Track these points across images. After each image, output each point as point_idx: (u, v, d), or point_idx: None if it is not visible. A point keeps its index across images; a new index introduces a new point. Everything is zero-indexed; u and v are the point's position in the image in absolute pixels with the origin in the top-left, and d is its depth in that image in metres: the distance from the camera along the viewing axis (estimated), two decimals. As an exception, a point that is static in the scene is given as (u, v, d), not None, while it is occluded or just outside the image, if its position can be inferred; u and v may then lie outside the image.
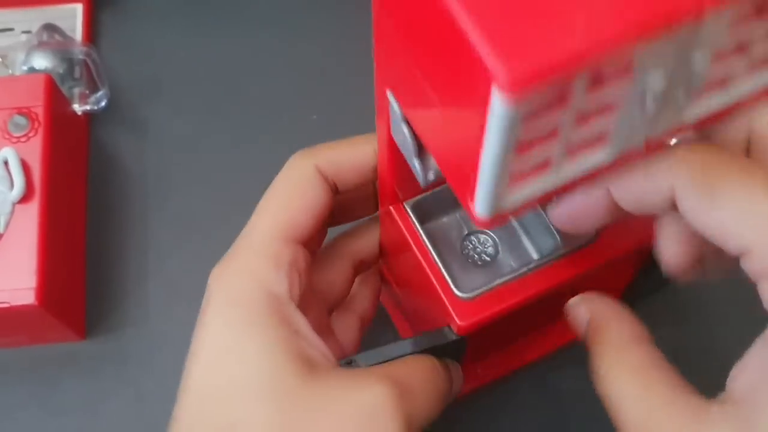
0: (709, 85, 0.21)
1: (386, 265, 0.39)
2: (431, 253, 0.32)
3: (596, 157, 0.21)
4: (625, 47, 0.18)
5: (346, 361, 0.30)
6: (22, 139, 0.43)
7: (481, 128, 0.18)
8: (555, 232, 0.31)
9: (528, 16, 0.17)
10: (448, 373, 0.32)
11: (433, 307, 0.32)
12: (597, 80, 0.18)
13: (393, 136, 0.27)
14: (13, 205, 0.42)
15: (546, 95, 0.18)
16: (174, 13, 0.53)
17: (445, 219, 0.34)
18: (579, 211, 0.26)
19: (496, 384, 0.42)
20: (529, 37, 0.17)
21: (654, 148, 0.22)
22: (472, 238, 0.34)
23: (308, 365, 0.27)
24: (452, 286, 0.31)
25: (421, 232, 0.32)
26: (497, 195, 0.20)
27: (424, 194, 0.33)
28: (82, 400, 0.45)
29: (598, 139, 0.21)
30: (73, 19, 0.52)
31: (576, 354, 0.31)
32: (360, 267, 0.37)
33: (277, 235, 0.30)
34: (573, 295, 0.30)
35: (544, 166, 0.20)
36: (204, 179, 0.49)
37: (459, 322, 0.31)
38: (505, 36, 0.17)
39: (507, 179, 0.20)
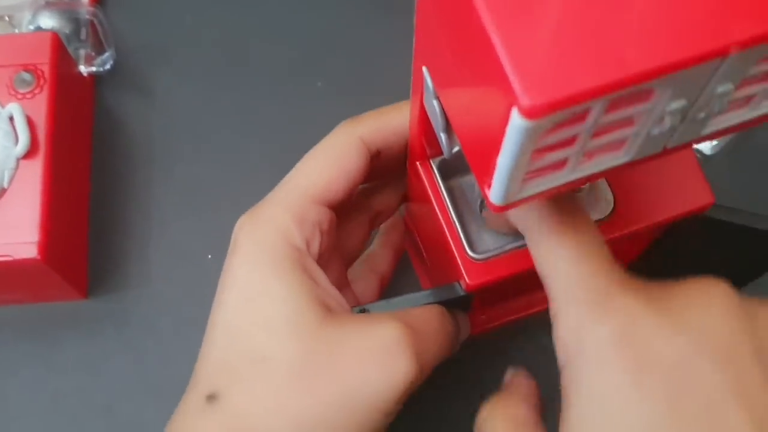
0: (732, 106, 0.22)
1: (410, 217, 0.41)
2: (450, 212, 0.33)
3: (613, 159, 0.22)
4: (647, 81, 0.18)
5: (359, 309, 0.32)
6: (28, 96, 0.43)
7: (501, 131, 0.19)
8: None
9: (557, 40, 0.18)
10: (456, 321, 0.34)
11: (447, 262, 0.33)
12: (616, 104, 0.19)
13: (425, 106, 0.28)
14: (18, 160, 0.42)
15: (565, 115, 0.18)
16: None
17: (468, 178, 0.34)
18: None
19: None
20: (554, 64, 0.18)
21: (673, 150, 0.23)
22: None
23: (327, 309, 0.29)
24: (466, 246, 0.32)
25: (443, 189, 0.33)
26: (512, 189, 0.21)
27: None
28: (83, 359, 0.45)
29: (615, 146, 0.21)
30: (81, -19, 0.52)
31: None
32: (377, 220, 0.39)
33: (307, 195, 0.32)
34: None
35: (560, 165, 0.21)
36: (208, 144, 0.49)
37: (468, 281, 0.32)
38: (531, 60, 0.18)
39: (522, 177, 0.21)
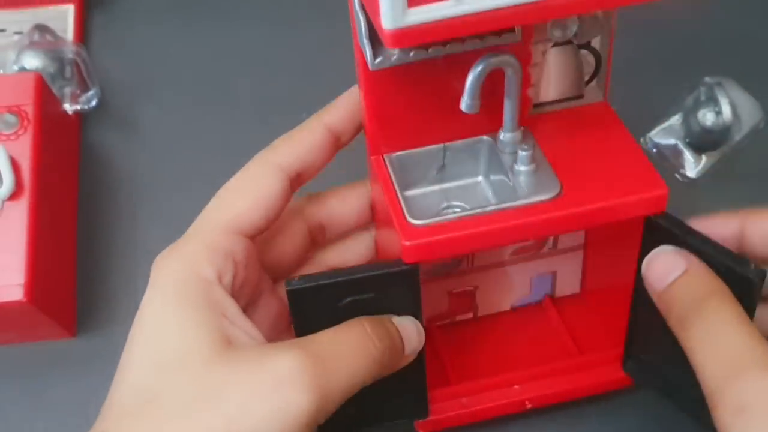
0: None
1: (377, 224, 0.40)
2: (394, 183, 0.34)
3: None
4: None
5: (288, 281, 0.32)
6: (12, 137, 0.43)
7: None
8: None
9: None
10: (388, 338, 0.32)
11: (393, 239, 0.33)
12: None
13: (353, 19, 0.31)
14: (3, 201, 0.42)
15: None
16: (164, 12, 0.53)
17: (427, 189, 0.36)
18: None
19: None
20: None
21: None
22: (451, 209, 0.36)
23: (227, 342, 0.29)
24: (406, 213, 0.33)
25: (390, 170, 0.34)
26: (397, 10, 0.24)
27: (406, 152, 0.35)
28: (72, 398, 0.45)
29: None
30: (65, 20, 0.52)
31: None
32: (315, 233, 0.38)
33: (219, 227, 0.33)
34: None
35: None
36: (193, 178, 0.50)
37: (406, 242, 0.32)
38: None
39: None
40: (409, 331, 0.33)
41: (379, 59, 0.31)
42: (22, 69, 0.48)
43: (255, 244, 0.34)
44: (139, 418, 0.28)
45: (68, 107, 0.49)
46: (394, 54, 0.32)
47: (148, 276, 0.47)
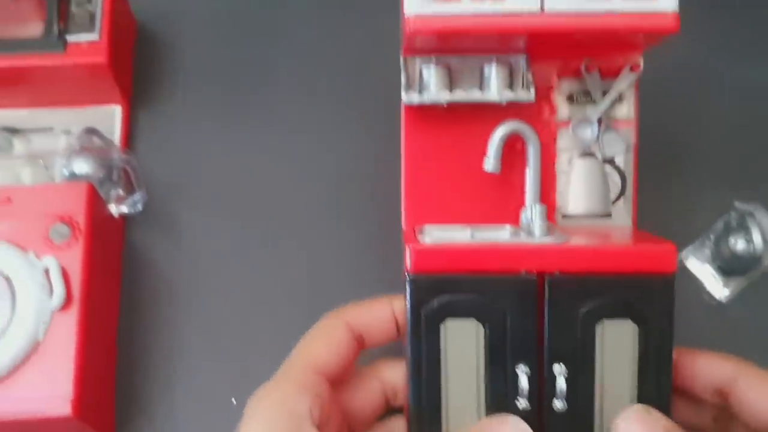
0: None
1: None
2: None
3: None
4: None
5: None
6: (63, 247, 0.44)
7: None
8: None
9: None
10: None
11: None
12: None
13: None
14: (53, 313, 0.43)
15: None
16: (208, 116, 0.54)
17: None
18: None
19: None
20: None
21: None
22: None
23: None
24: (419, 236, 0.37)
25: None
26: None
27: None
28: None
29: None
30: (112, 121, 0.53)
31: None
32: (393, 396, 0.40)
33: (308, 368, 0.37)
34: None
35: None
36: (233, 285, 0.50)
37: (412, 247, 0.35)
38: None
39: None
40: None
41: (411, 95, 0.38)
42: (72, 174, 0.48)
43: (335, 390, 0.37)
44: None
45: (114, 209, 0.49)
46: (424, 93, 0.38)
47: (186, 383, 0.48)
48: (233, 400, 0.48)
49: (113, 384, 0.48)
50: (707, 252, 0.51)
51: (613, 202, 0.39)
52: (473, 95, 0.37)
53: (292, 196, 0.53)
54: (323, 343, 0.38)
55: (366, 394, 0.40)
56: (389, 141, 0.51)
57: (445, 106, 0.38)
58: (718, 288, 0.51)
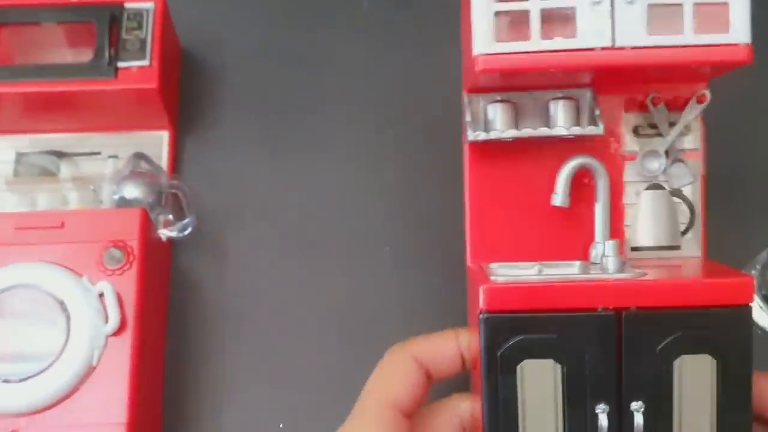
0: None
1: None
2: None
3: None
4: None
5: None
6: (117, 272, 0.44)
7: None
8: None
9: None
10: None
11: None
12: None
13: None
14: (107, 338, 0.43)
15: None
16: (254, 142, 0.55)
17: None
18: None
19: None
20: None
21: None
22: None
23: None
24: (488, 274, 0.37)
25: None
26: (487, 41, 0.33)
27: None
28: None
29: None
30: (159, 146, 0.53)
31: None
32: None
33: (384, 405, 0.37)
34: None
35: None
36: (279, 310, 0.51)
37: (484, 286, 0.34)
38: None
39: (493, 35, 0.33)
40: None
41: (477, 133, 0.37)
42: (122, 198, 0.49)
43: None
44: None
45: (162, 234, 0.50)
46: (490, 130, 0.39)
47: (234, 407, 0.48)
48: (281, 425, 0.48)
49: (161, 407, 0.48)
50: (754, 281, 0.51)
51: (683, 234, 0.39)
52: (541, 131, 0.37)
53: (338, 225, 0.53)
54: (398, 379, 0.38)
55: (447, 429, 0.40)
56: (436, 172, 0.51)
57: (511, 140, 0.38)
58: (764, 318, 0.51)
